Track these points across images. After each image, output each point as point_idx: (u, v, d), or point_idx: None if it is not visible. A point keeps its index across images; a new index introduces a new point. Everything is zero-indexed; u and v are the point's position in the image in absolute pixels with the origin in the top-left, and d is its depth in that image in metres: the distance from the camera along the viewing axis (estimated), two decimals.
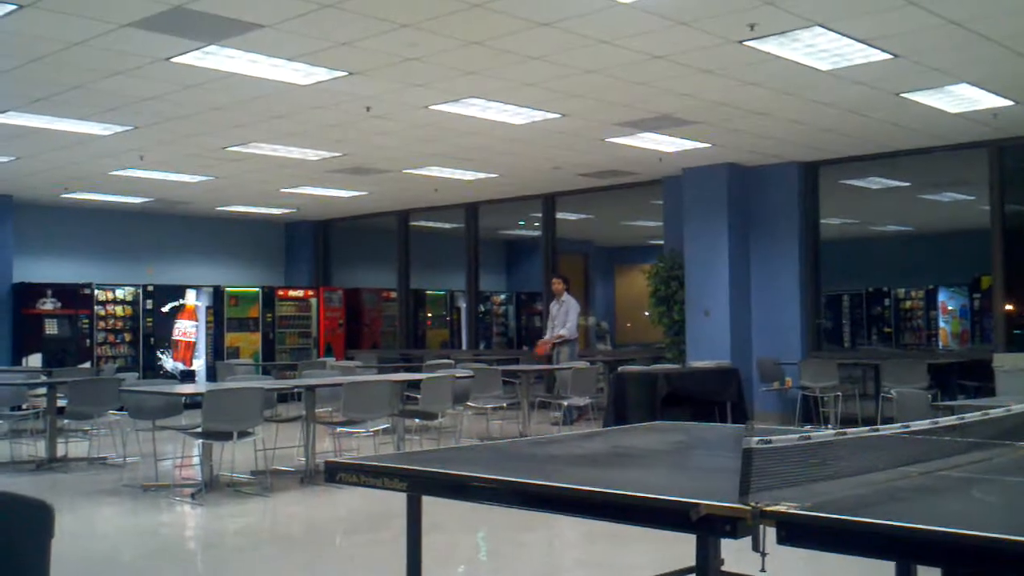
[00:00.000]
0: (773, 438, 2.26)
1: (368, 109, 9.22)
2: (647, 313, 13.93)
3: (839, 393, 11.49)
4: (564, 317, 12.71)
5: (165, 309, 16.09)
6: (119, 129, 10.02)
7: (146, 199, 15.21)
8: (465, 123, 9.91)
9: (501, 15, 6.65)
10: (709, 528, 2.19)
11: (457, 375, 10.25)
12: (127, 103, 8.96)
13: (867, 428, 2.59)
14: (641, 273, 13.87)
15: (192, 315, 16.32)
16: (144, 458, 9.14)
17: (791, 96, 9.04)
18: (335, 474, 3.02)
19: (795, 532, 2.08)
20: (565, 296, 12.82)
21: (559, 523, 6.46)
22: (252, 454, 8.67)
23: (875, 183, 14.33)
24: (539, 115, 9.66)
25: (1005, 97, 9.14)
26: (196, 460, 9.14)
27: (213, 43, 7.15)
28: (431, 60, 7.70)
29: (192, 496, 7.90)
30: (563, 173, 13.38)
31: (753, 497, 2.15)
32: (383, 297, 18.72)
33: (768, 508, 2.11)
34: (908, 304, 21.48)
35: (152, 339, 15.93)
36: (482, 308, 19.12)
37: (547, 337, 12.93)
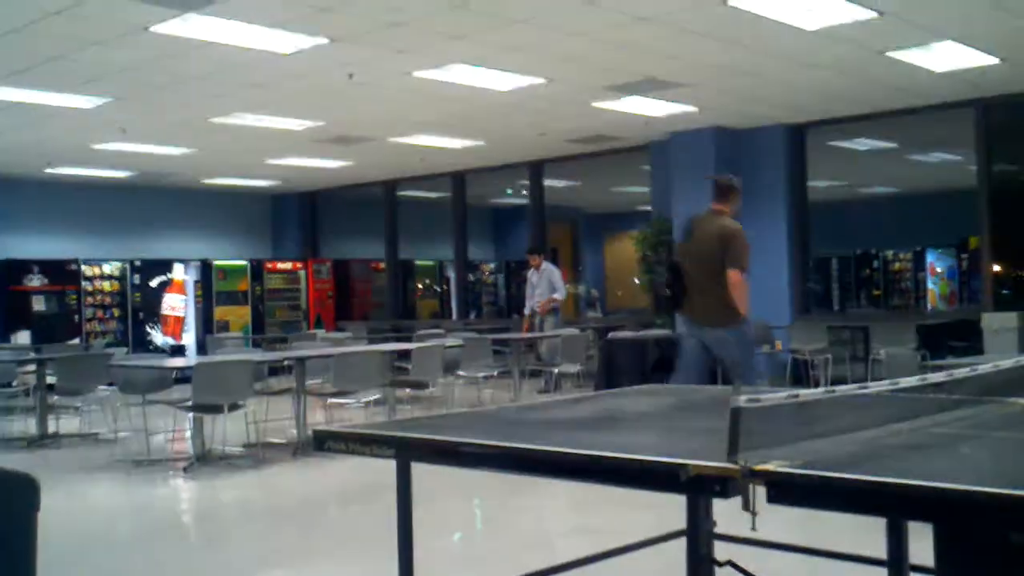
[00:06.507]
0: (761, 397, 2.25)
1: (351, 76, 9.13)
2: (636, 280, 13.92)
3: (829, 356, 11.53)
4: (547, 285, 12.85)
5: (153, 283, 16.02)
6: (100, 101, 9.92)
7: (130, 173, 15.10)
8: (450, 89, 9.83)
9: None
10: (699, 488, 2.18)
11: (447, 344, 10.24)
12: (107, 74, 8.86)
13: (856, 386, 2.58)
14: (630, 239, 13.84)
15: (180, 289, 16.26)
16: (135, 433, 9.12)
17: (777, 57, 8.99)
18: (323, 442, 3.00)
19: (785, 490, 2.07)
20: (544, 265, 13.01)
21: (553, 490, 6.48)
22: (244, 427, 8.66)
23: (862, 144, 14.30)
24: (524, 80, 9.58)
25: (990, 54, 9.10)
26: (188, 434, 9.13)
27: (191, 10, 7.05)
28: (414, 25, 7.63)
29: (185, 470, 7.90)
30: (550, 140, 13.32)
31: (742, 456, 2.13)
32: (372, 268, 18.67)
33: (757, 467, 2.10)
34: (897, 266, 21.53)
35: (141, 314, 15.87)
36: (471, 277, 19.09)
37: (528, 305, 13.11)
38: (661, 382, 5.82)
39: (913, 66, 9.38)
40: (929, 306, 20.17)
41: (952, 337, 11.42)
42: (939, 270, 20.78)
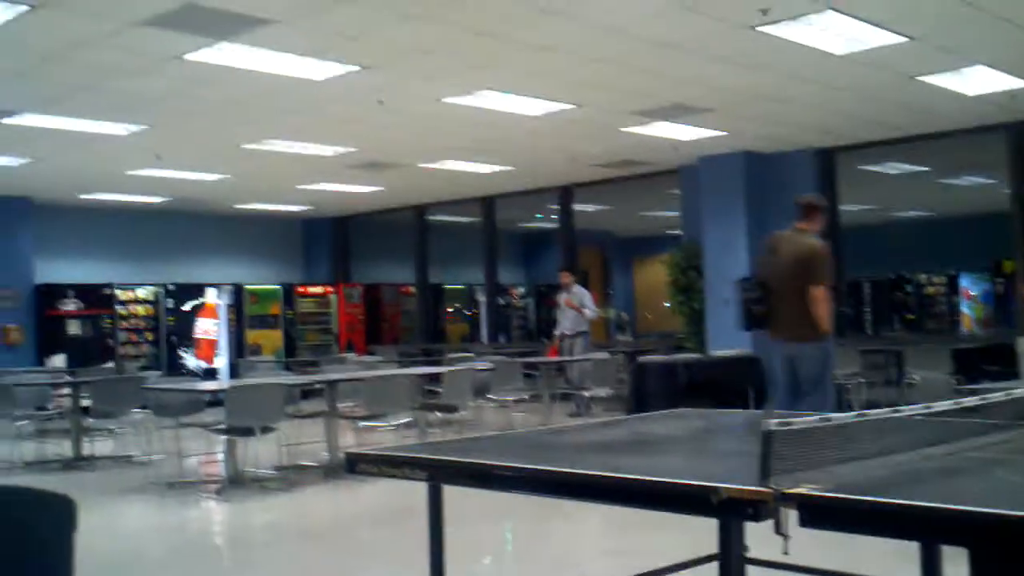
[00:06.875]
0: (793, 421, 2.25)
1: (381, 103, 9.21)
2: (667, 303, 13.91)
3: (862, 380, 11.42)
4: (580, 304, 12.91)
5: (186, 308, 16.17)
6: (135, 128, 10.06)
7: (164, 198, 15.28)
8: (479, 115, 9.90)
9: (513, 4, 6.64)
10: (731, 511, 2.18)
11: (477, 367, 10.26)
12: (141, 102, 9.00)
13: (888, 410, 2.57)
14: (660, 263, 13.86)
15: (213, 313, 16.40)
16: (168, 455, 9.19)
17: (806, 82, 8.99)
18: (355, 465, 3.02)
19: (817, 514, 2.06)
20: (576, 288, 13.05)
21: (583, 513, 6.46)
22: (276, 450, 8.71)
23: (893, 168, 14.22)
24: (554, 106, 9.64)
25: (1021, 78, 9.04)
26: (220, 456, 9.19)
27: (224, 39, 7.16)
28: (444, 52, 7.70)
29: (217, 492, 7.95)
30: (579, 164, 13.36)
31: (774, 480, 2.13)
32: (402, 292, 18.75)
33: (789, 490, 2.10)
34: (930, 290, 21.34)
35: (174, 337, 16.02)
36: (502, 301, 19.12)
37: (559, 329, 13.15)
38: (692, 407, 5.80)
39: (944, 90, 9.35)
40: (964, 330, 19.96)
41: (987, 361, 11.28)
42: (973, 294, 20.56)
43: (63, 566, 2.43)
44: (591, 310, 13.12)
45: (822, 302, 6.80)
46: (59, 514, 2.45)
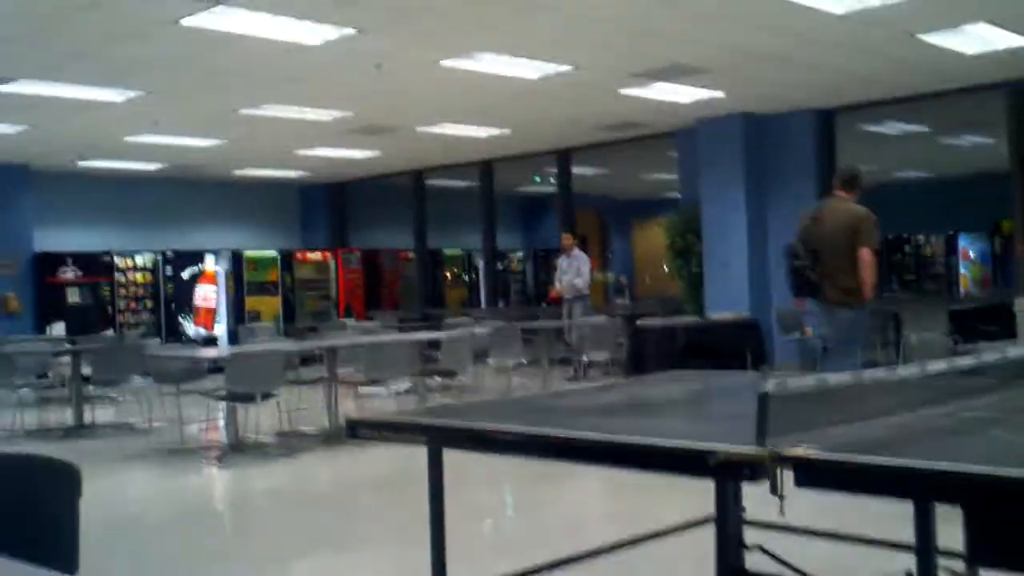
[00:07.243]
0: (789, 382, 2.26)
1: (378, 67, 9.15)
2: (665, 267, 13.91)
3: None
4: (576, 272, 12.82)
5: (185, 275, 16.15)
6: (132, 94, 10.00)
7: (161, 165, 15.22)
8: (477, 78, 9.84)
9: None
10: (728, 473, 2.20)
11: (476, 332, 10.29)
12: (138, 68, 8.94)
13: (884, 370, 2.59)
14: (658, 226, 13.84)
15: (212, 280, 16.39)
16: (169, 422, 9.23)
17: (805, 41, 8.93)
18: (356, 430, 3.04)
19: (813, 474, 2.08)
20: (576, 251, 12.95)
21: (583, 477, 6.51)
22: (276, 416, 8.75)
23: (893, 128, 14.17)
24: (551, 68, 9.57)
25: (1021, 34, 8.97)
26: (221, 423, 9.23)
27: (221, 3, 7.09)
28: (441, 15, 7.64)
29: (218, 458, 7.99)
30: (577, 127, 13.30)
31: (770, 441, 2.15)
32: (401, 257, 18.73)
33: (786, 451, 2.12)
34: (928, 251, 21.33)
35: (173, 305, 16.02)
36: (500, 266, 19.10)
37: (557, 287, 13.15)
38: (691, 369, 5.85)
39: (944, 48, 9.28)
40: (962, 291, 19.98)
41: (985, 322, 11.31)
42: (971, 255, 20.56)
43: (69, 532, 2.45)
44: (583, 281, 12.96)
45: (869, 265, 6.96)
46: (65, 481, 2.46)
